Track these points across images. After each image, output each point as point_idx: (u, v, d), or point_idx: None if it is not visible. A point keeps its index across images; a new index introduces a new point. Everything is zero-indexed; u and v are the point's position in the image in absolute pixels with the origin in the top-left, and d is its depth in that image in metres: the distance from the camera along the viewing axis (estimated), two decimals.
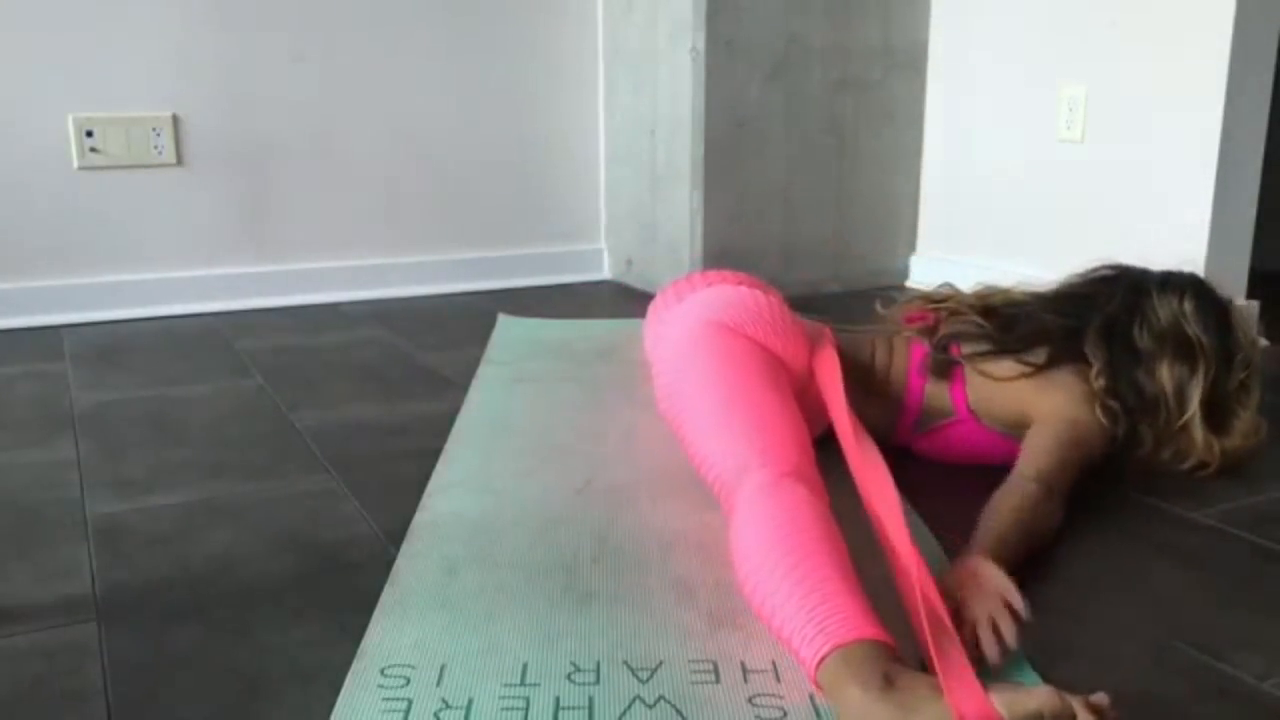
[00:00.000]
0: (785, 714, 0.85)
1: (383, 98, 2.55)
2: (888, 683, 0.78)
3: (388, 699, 0.87)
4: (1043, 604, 1.06)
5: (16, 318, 2.28)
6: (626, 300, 2.61)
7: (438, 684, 0.89)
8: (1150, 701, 0.89)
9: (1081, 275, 1.48)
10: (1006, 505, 1.15)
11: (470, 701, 0.87)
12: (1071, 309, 1.41)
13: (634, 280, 2.77)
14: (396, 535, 1.20)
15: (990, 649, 0.91)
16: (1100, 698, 0.77)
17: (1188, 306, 1.37)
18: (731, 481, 1.09)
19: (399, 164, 2.60)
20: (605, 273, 2.89)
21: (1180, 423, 1.35)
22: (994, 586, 0.97)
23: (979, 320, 1.41)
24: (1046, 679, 0.90)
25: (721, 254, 2.48)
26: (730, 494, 1.08)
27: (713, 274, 1.59)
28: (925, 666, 0.85)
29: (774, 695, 0.88)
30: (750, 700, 0.87)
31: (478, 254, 2.73)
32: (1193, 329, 1.35)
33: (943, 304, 1.47)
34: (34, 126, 2.24)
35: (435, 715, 0.85)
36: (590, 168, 2.84)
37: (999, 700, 0.75)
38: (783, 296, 1.47)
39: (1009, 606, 0.94)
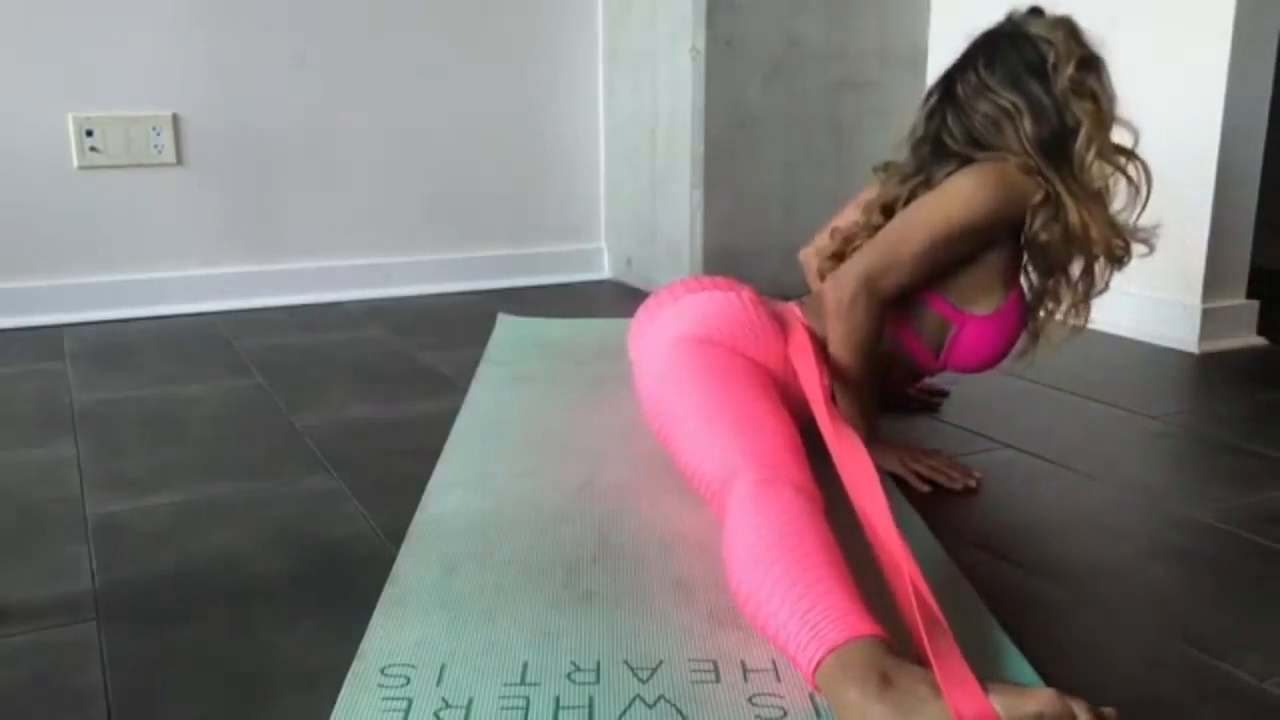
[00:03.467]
0: (785, 713, 0.85)
1: (383, 97, 2.55)
2: (885, 683, 0.78)
3: (388, 699, 0.87)
4: (1042, 603, 1.06)
5: (16, 318, 2.28)
6: (626, 300, 2.60)
7: (438, 683, 0.89)
8: (1150, 701, 0.89)
9: (918, 110, 1.45)
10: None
11: (470, 701, 0.87)
12: (930, 155, 1.41)
13: (634, 280, 2.77)
14: (396, 535, 1.20)
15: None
16: (1110, 712, 0.76)
17: (984, 73, 1.35)
18: (721, 490, 1.09)
19: (399, 163, 2.60)
20: (605, 272, 2.89)
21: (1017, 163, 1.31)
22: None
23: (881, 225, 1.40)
24: (1045, 678, 0.90)
25: (721, 254, 2.48)
26: (721, 502, 1.08)
27: (678, 285, 1.50)
28: (921, 659, 0.85)
29: (774, 695, 0.88)
30: (750, 700, 0.87)
31: (478, 253, 2.73)
32: (999, 91, 1.34)
33: (852, 246, 1.45)
34: (34, 126, 2.24)
35: (435, 715, 0.85)
36: (590, 168, 2.84)
37: (998, 701, 0.75)
38: (755, 289, 1.44)
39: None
